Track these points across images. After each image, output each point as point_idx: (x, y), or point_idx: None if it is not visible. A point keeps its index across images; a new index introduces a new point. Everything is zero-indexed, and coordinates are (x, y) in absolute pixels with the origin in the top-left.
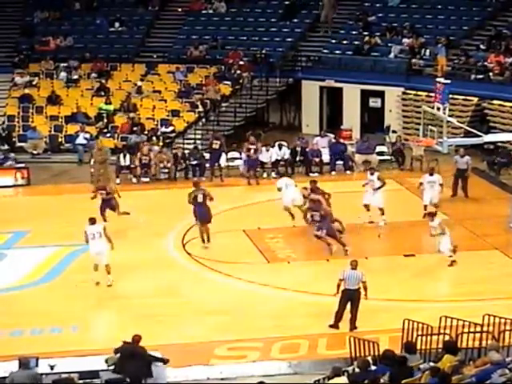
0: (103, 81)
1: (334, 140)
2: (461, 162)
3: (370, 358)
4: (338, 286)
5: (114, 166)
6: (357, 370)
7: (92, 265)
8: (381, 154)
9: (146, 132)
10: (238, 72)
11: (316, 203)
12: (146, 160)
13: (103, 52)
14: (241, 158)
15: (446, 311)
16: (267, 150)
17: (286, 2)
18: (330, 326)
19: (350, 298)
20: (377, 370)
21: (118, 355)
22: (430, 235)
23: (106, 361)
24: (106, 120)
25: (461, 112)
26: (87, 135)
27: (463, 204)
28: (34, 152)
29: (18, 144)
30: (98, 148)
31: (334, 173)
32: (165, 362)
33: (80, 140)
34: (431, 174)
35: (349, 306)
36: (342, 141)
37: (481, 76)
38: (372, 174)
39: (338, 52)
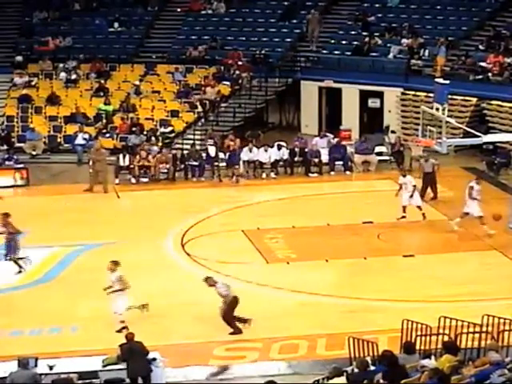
0: (102, 81)
1: (333, 141)
2: (426, 166)
3: (368, 359)
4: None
5: (113, 166)
6: (356, 370)
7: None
8: (380, 154)
9: (145, 132)
10: (237, 72)
11: None
12: (145, 162)
13: (102, 52)
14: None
15: (445, 311)
16: (265, 151)
17: (285, 3)
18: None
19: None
20: (376, 370)
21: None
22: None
23: (103, 361)
24: (105, 120)
25: (460, 112)
26: (86, 135)
27: (462, 204)
28: (34, 153)
29: (17, 144)
30: (95, 148)
31: (332, 173)
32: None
33: (79, 140)
34: (404, 176)
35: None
36: (341, 143)
37: (480, 76)
38: (404, 176)
39: (336, 52)
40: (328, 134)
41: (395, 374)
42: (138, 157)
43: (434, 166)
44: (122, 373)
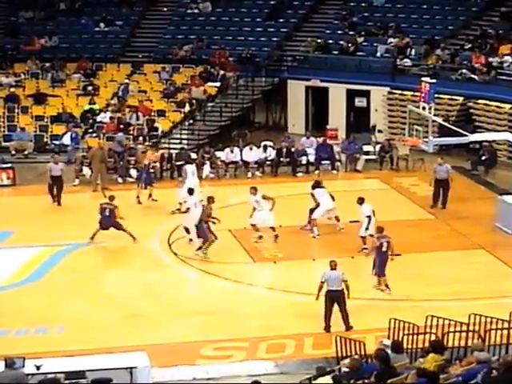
0: (91, 79)
1: (320, 141)
2: (440, 171)
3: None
4: (320, 288)
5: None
6: (344, 369)
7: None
8: (367, 153)
9: (130, 132)
10: (222, 72)
11: None
12: (154, 166)
13: (89, 52)
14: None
15: (432, 310)
16: (251, 149)
17: (272, 2)
18: (325, 329)
19: (334, 298)
20: (366, 369)
21: None
22: None
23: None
24: (91, 120)
25: (446, 111)
26: (73, 135)
27: (449, 203)
28: (26, 153)
29: (4, 144)
30: (99, 147)
31: (317, 172)
32: None
33: (66, 140)
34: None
35: (336, 307)
36: (328, 142)
37: (466, 75)
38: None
39: (323, 52)
40: (313, 138)
41: (388, 373)
42: (146, 161)
43: (448, 173)
44: (109, 373)
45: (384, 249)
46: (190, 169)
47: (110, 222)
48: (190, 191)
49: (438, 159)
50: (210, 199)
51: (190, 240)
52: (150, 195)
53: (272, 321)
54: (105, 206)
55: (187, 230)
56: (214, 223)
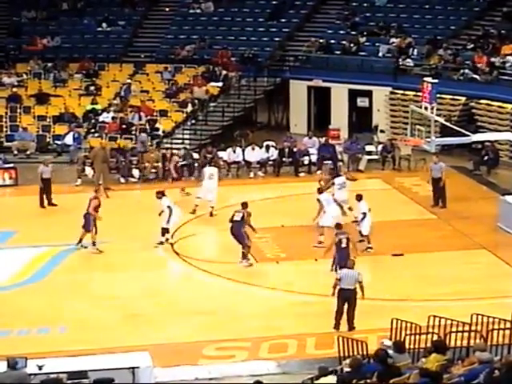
0: (94, 79)
1: (322, 141)
2: (434, 170)
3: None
4: (335, 285)
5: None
6: (346, 369)
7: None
8: (369, 153)
9: (133, 132)
10: (224, 72)
11: None
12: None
13: (91, 52)
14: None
15: (434, 310)
16: (253, 149)
17: (274, 2)
18: (334, 328)
19: (346, 297)
20: (368, 368)
21: None
22: None
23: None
24: (93, 120)
25: (448, 111)
26: (75, 135)
27: (451, 203)
28: (28, 153)
29: (6, 144)
30: (101, 147)
31: (319, 172)
32: None
33: (68, 140)
34: (359, 201)
35: (346, 306)
36: (330, 142)
37: (468, 75)
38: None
39: (325, 52)
40: (315, 138)
41: (389, 372)
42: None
43: (442, 172)
44: (111, 373)
45: (343, 245)
46: (208, 171)
47: (86, 216)
48: (159, 194)
49: (433, 157)
50: (245, 204)
51: (167, 240)
52: (183, 189)
53: (274, 321)
54: (90, 197)
55: (164, 231)
56: (254, 230)
